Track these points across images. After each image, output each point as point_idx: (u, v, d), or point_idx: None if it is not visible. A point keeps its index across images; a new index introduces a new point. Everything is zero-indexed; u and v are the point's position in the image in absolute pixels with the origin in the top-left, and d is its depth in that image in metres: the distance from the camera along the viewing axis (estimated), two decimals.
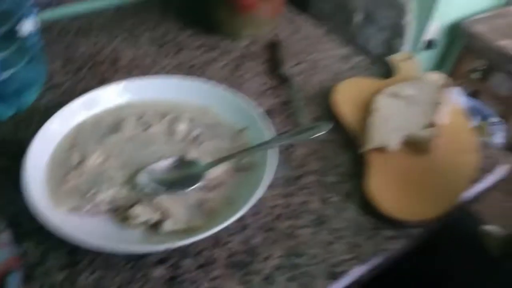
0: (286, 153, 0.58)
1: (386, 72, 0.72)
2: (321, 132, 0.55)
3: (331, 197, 0.54)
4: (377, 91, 0.64)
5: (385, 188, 0.53)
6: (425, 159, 0.57)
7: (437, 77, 0.64)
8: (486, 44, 1.28)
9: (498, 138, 1.30)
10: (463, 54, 1.38)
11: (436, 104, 0.60)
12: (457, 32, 1.36)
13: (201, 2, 0.79)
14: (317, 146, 0.60)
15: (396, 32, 1.38)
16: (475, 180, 0.57)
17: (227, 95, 0.59)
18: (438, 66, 1.49)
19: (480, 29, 1.30)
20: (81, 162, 0.50)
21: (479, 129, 1.32)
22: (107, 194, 0.47)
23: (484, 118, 1.33)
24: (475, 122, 1.34)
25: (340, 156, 0.59)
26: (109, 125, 0.54)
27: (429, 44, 1.34)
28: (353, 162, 0.58)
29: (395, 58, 0.72)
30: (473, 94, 1.42)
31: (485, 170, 0.58)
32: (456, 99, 0.62)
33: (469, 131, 0.60)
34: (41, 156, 0.50)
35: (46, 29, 0.73)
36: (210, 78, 0.66)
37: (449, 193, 0.54)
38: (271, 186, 0.52)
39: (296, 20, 0.85)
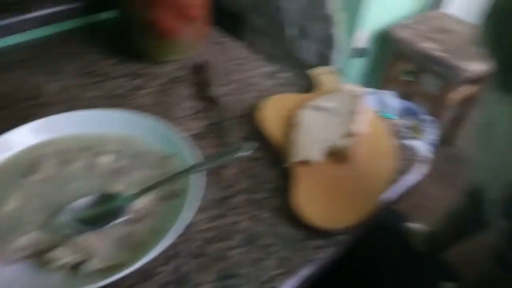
0: (214, 175, 0.59)
1: (310, 86, 0.75)
2: (245, 152, 0.56)
3: (260, 214, 0.55)
4: (300, 106, 0.67)
5: (310, 200, 0.55)
6: (346, 167, 0.59)
7: (354, 88, 0.68)
8: (413, 48, 1.36)
9: (431, 134, 1.38)
10: (393, 59, 1.46)
11: (353, 114, 0.64)
12: (385, 39, 1.43)
13: (123, 30, 0.79)
14: (246, 165, 0.61)
15: (328, 43, 1.44)
16: (393, 181, 0.60)
17: (151, 123, 0.60)
18: (372, 71, 1.57)
19: (405, 34, 1.38)
20: None
21: (414, 128, 1.40)
22: (26, 239, 0.45)
23: (418, 117, 1.40)
24: (409, 122, 1.41)
25: (268, 172, 0.60)
26: (26, 166, 0.53)
27: (361, 52, 1.41)
28: (281, 177, 0.59)
29: (317, 72, 0.75)
30: (406, 95, 1.50)
31: (403, 171, 0.62)
32: (373, 107, 0.66)
33: (387, 137, 0.64)
34: None
35: None
36: (136, 106, 0.66)
37: (370, 197, 0.56)
38: (200, 210, 0.52)
39: (224, 42, 0.86)
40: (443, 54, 1.34)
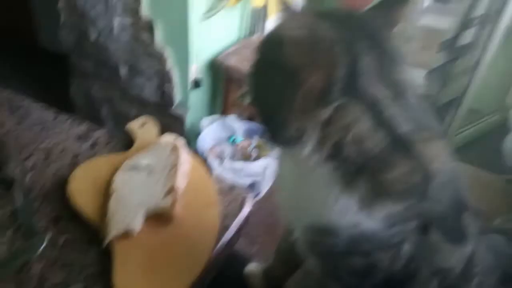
0: (18, 274, 0.50)
1: (129, 142, 0.70)
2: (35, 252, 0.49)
3: None
4: (116, 168, 0.62)
5: (134, 278, 0.50)
6: (171, 229, 0.56)
7: (170, 140, 0.65)
8: (241, 72, 1.42)
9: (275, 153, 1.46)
10: (227, 84, 1.50)
11: (172, 168, 0.61)
12: (217, 67, 1.47)
13: None
14: (57, 253, 0.53)
15: (163, 79, 1.42)
16: (225, 228, 0.59)
17: None
18: (212, 99, 1.60)
19: (233, 60, 1.44)
20: None
21: (260, 147, 1.46)
22: None
23: (262, 136, 1.47)
24: (255, 141, 1.47)
25: (85, 256, 0.53)
26: None
27: (196, 84, 1.42)
28: (101, 257, 0.53)
29: (132, 126, 0.71)
30: (250, 117, 1.55)
31: (234, 214, 0.62)
32: (188, 157, 0.64)
33: (209, 185, 0.63)
34: None
35: None
36: None
37: (200, 256, 0.54)
38: None
39: (22, 106, 0.76)
40: None
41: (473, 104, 1.73)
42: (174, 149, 0.64)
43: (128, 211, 0.56)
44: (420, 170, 0.41)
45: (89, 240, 0.55)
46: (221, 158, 1.42)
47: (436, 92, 1.78)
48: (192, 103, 1.47)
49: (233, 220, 0.60)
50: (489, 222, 0.74)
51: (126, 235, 0.54)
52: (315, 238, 0.46)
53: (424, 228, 0.44)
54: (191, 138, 1.48)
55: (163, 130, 0.71)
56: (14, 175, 0.61)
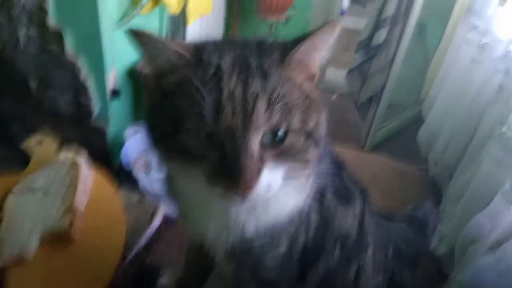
0: None
1: (26, 161, 0.65)
2: None
3: None
4: (8, 191, 0.57)
5: None
6: (71, 250, 0.53)
7: (69, 156, 0.61)
8: None
9: None
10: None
11: (71, 187, 0.57)
12: (137, 75, 1.42)
13: None
14: None
15: (79, 90, 1.34)
16: (133, 243, 0.57)
17: None
18: (135, 109, 1.54)
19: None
20: None
21: None
22: None
23: None
24: None
25: None
26: None
27: (114, 93, 1.36)
28: None
29: (28, 143, 0.66)
30: None
31: (142, 229, 0.59)
32: (87, 173, 0.61)
33: (114, 201, 0.60)
34: None
35: None
36: None
37: (103, 272, 0.51)
38: None
39: None
40: None
41: (392, 100, 1.83)
42: (73, 166, 0.60)
43: (21, 236, 0.51)
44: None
45: None
46: (147, 169, 1.37)
47: (357, 90, 1.86)
48: (113, 113, 1.41)
49: (142, 235, 0.58)
50: (403, 208, 0.78)
51: (20, 261, 0.49)
52: (232, 251, 0.46)
53: (321, 195, 0.47)
54: (115, 150, 1.41)
55: (83, 144, 0.66)
56: None
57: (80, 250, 0.53)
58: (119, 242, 0.54)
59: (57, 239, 0.53)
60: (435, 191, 1.21)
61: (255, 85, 0.38)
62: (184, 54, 0.42)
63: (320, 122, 0.44)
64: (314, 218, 0.48)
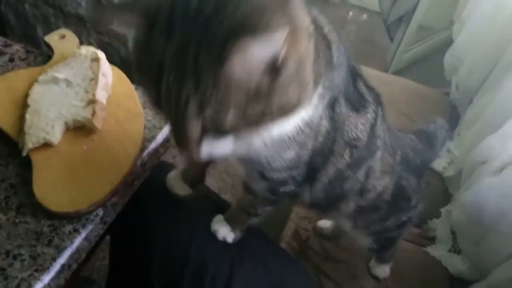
0: None
1: (49, 55, 0.67)
2: None
3: (1, 217, 0.50)
4: (34, 81, 0.60)
5: (54, 186, 0.51)
6: (92, 139, 0.57)
7: (89, 51, 0.63)
8: None
9: None
10: None
11: (93, 80, 0.60)
12: None
13: None
14: None
15: None
16: (151, 138, 0.60)
17: None
18: None
19: None
20: None
21: None
22: None
23: None
24: None
25: (6, 167, 0.54)
26: None
27: None
28: (21, 169, 0.54)
29: (51, 38, 0.67)
30: None
31: (160, 126, 0.62)
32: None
33: (133, 96, 0.62)
34: None
35: None
36: None
37: (122, 162, 0.55)
38: None
39: None
40: None
41: (423, 21, 1.74)
42: (95, 60, 0.62)
43: (45, 123, 0.55)
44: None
45: (9, 153, 0.55)
46: None
47: (388, 8, 1.76)
48: None
49: (159, 131, 0.61)
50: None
51: (45, 146, 0.54)
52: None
53: (334, 101, 0.48)
54: None
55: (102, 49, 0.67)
56: None
57: (101, 139, 0.56)
58: (138, 135, 0.58)
59: (80, 128, 0.56)
60: (454, 115, 1.20)
61: (187, 88, 0.35)
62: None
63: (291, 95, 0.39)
64: (324, 123, 0.49)
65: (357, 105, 0.52)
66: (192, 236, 0.62)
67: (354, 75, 0.52)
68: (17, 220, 0.50)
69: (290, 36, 0.35)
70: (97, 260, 1.12)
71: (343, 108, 0.50)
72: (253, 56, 0.34)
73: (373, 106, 0.53)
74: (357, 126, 0.52)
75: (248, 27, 0.33)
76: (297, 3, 0.39)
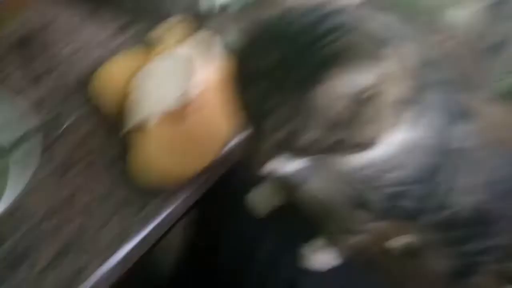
0: (50, 149, 0.58)
1: (161, 39, 0.72)
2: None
3: (99, 184, 0.56)
4: (144, 62, 0.65)
5: (149, 162, 0.56)
6: (188, 124, 0.60)
7: (195, 40, 0.68)
8: None
9: None
10: None
11: (190, 72, 0.64)
12: None
13: None
14: (81, 138, 0.60)
15: None
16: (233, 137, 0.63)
17: None
18: None
19: None
20: None
21: None
22: None
23: None
24: None
25: (107, 142, 0.60)
26: None
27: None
28: (120, 146, 0.59)
29: (160, 26, 0.73)
30: None
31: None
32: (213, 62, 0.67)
33: (225, 93, 0.65)
34: None
35: None
36: None
37: (213, 148, 0.60)
38: (33, 186, 0.51)
39: (55, 5, 0.77)
40: None
41: None
42: (207, 46, 0.66)
43: (147, 106, 0.60)
44: None
45: (112, 129, 0.61)
46: None
47: (486, 31, 1.65)
48: None
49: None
50: None
51: (144, 125, 0.59)
52: None
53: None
54: None
55: None
56: (47, 66, 0.67)
57: (194, 127, 0.61)
58: (224, 132, 0.62)
59: (175, 114, 0.61)
60: None
61: (273, 100, 0.37)
62: None
63: None
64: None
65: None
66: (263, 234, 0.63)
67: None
68: (112, 189, 0.56)
69: (382, 73, 0.36)
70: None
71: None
72: (343, 85, 0.35)
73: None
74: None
75: (345, 56, 0.35)
76: (397, 42, 0.39)
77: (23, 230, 0.50)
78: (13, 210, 0.50)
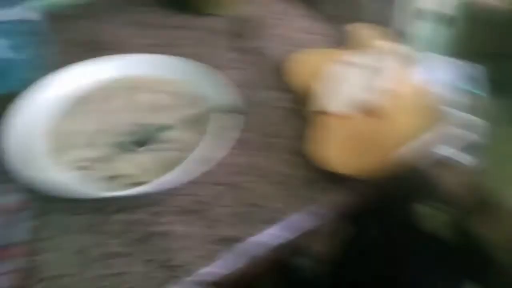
0: (244, 117, 0.64)
1: (348, 41, 0.76)
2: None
3: (278, 156, 0.59)
4: (333, 60, 0.69)
5: (329, 146, 0.58)
6: (371, 122, 0.61)
7: (386, 44, 0.68)
8: None
9: None
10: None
11: (387, 70, 0.65)
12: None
13: None
14: (270, 112, 0.65)
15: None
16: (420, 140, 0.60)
17: (191, 67, 0.67)
18: (460, 43, 1.42)
19: None
20: None
21: None
22: (80, 154, 0.56)
23: None
24: None
25: (292, 120, 0.64)
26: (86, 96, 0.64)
27: (445, 19, 1.30)
28: (304, 125, 0.63)
29: (354, 26, 0.76)
30: None
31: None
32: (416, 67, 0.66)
33: (418, 96, 0.64)
34: None
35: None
36: (179, 54, 0.71)
37: (386, 155, 0.57)
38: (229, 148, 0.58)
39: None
40: None
41: None
42: (395, 53, 0.66)
43: (335, 95, 0.63)
44: None
45: (297, 110, 0.65)
46: None
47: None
48: (432, 39, 1.37)
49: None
50: None
51: (329, 113, 0.61)
52: None
53: None
54: None
55: None
56: (253, 47, 0.76)
57: (379, 129, 0.61)
58: (419, 130, 0.60)
59: (363, 109, 0.62)
60: None
61: None
62: None
63: None
64: None
65: None
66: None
67: None
68: (290, 163, 0.59)
69: None
70: None
71: None
72: None
73: None
74: None
75: None
76: None
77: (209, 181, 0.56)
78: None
